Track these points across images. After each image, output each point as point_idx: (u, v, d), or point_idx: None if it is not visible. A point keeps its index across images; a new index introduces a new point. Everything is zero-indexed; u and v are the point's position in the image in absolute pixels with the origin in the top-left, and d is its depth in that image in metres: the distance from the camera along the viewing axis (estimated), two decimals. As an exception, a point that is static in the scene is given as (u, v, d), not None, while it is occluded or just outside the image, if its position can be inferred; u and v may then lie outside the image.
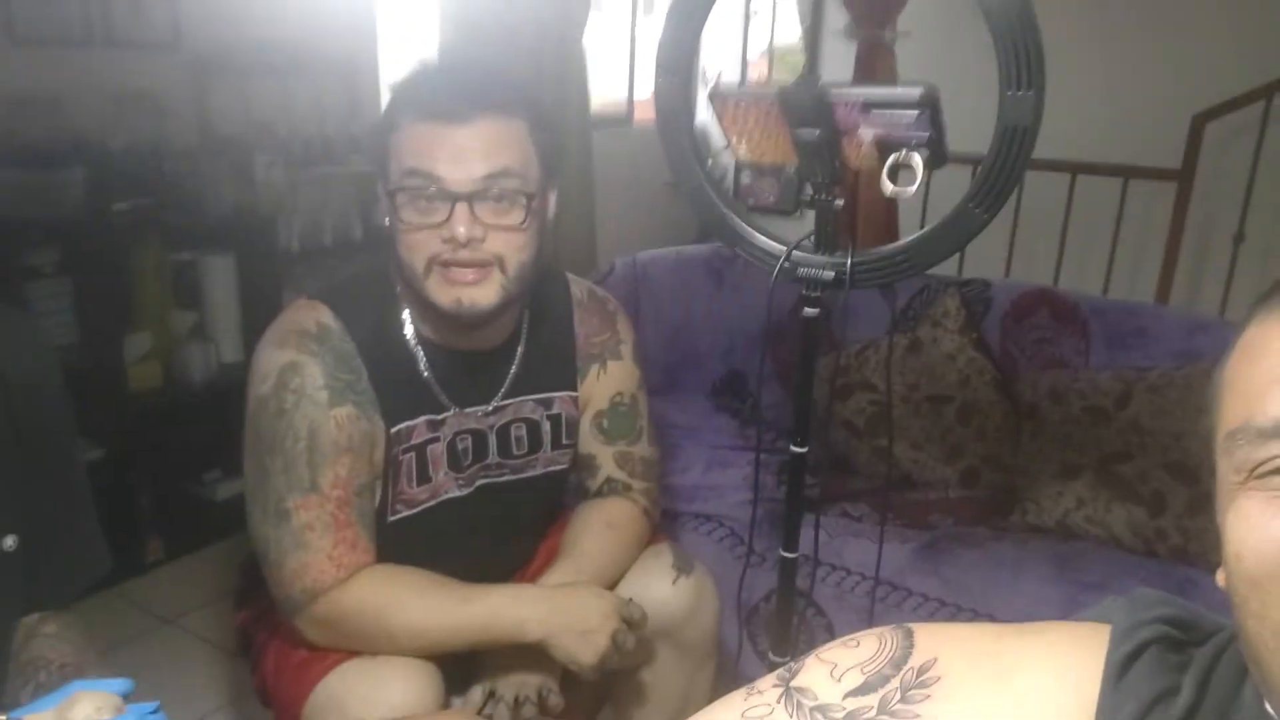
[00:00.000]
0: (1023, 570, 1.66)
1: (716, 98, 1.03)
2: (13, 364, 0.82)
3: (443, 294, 1.11)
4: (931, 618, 1.64)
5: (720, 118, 1.04)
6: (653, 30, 3.77)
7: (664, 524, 1.81)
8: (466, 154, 1.07)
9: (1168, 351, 2.00)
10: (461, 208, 1.06)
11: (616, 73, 3.95)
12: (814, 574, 1.60)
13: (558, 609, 1.15)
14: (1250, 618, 0.48)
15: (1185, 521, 1.70)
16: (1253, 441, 0.48)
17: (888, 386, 2.01)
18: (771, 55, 4.29)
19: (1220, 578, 0.54)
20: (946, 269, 2.32)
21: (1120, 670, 0.55)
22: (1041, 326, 2.14)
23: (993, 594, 1.62)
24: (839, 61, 3.60)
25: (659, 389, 2.39)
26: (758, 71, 4.29)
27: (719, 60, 4.12)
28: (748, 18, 4.12)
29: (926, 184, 0.96)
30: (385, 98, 1.20)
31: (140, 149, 2.37)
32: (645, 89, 4.30)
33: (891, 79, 2.76)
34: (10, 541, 0.84)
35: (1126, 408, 1.87)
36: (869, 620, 1.66)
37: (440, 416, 1.23)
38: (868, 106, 0.95)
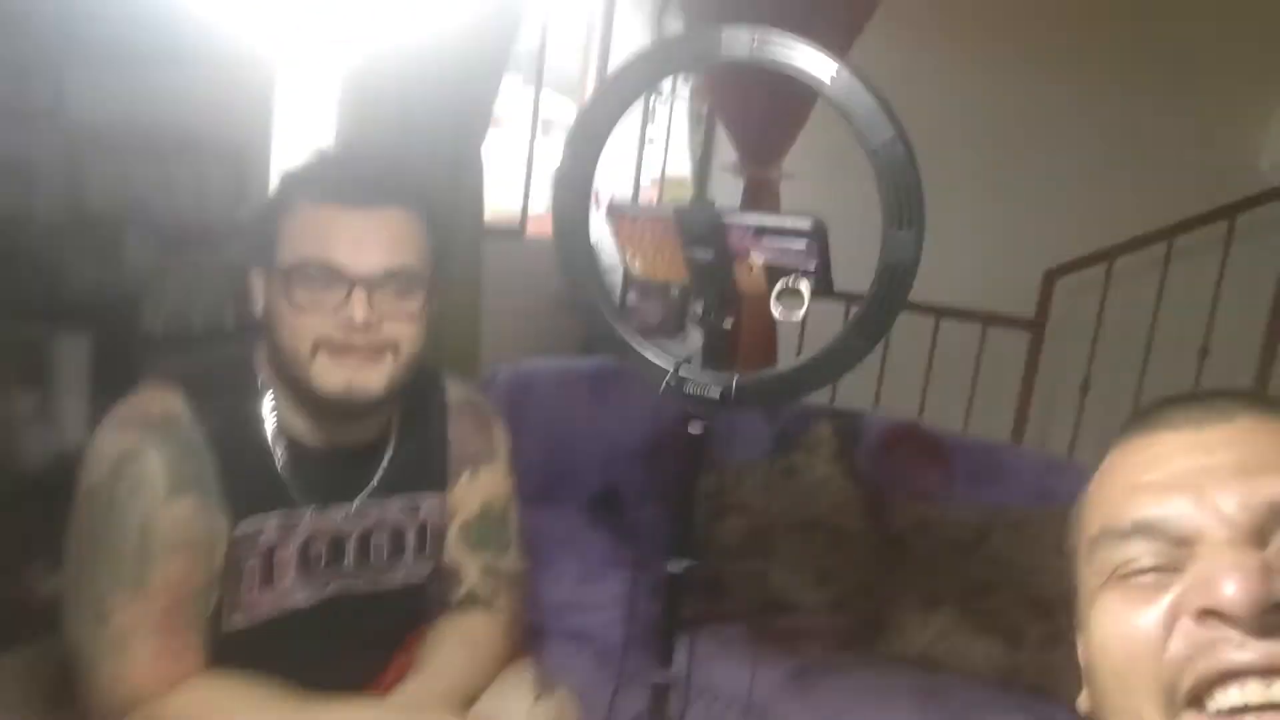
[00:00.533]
0: (888, 700, 1.66)
1: (613, 213, 1.05)
2: None
3: (330, 377, 1.06)
4: (798, 748, 1.62)
5: (616, 234, 1.06)
6: (549, 149, 3.88)
7: (531, 640, 1.75)
8: (367, 241, 1.05)
9: (1025, 489, 2.10)
10: (359, 292, 1.04)
11: (511, 187, 4.01)
12: (686, 696, 1.56)
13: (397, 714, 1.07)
14: (1113, 714, 0.51)
15: (1042, 655, 1.75)
16: (1112, 543, 0.53)
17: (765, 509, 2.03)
18: (663, 183, 4.46)
19: (1082, 700, 0.56)
20: (821, 397, 2.40)
21: None
22: (909, 459, 2.22)
23: (859, 724, 1.61)
24: (727, 195, 3.76)
25: (535, 498, 2.33)
26: (648, 197, 4.45)
27: (611, 183, 4.25)
28: (643, 144, 4.28)
29: (804, 314, 0.99)
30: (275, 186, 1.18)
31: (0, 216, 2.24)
32: (539, 204, 4.39)
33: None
34: None
35: (987, 541, 1.94)
36: (736, 749, 1.63)
37: (294, 518, 1.15)
38: (760, 232, 0.98)
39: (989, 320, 3.13)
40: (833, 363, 1.02)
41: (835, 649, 1.84)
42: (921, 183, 0.96)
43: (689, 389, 1.09)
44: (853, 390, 2.83)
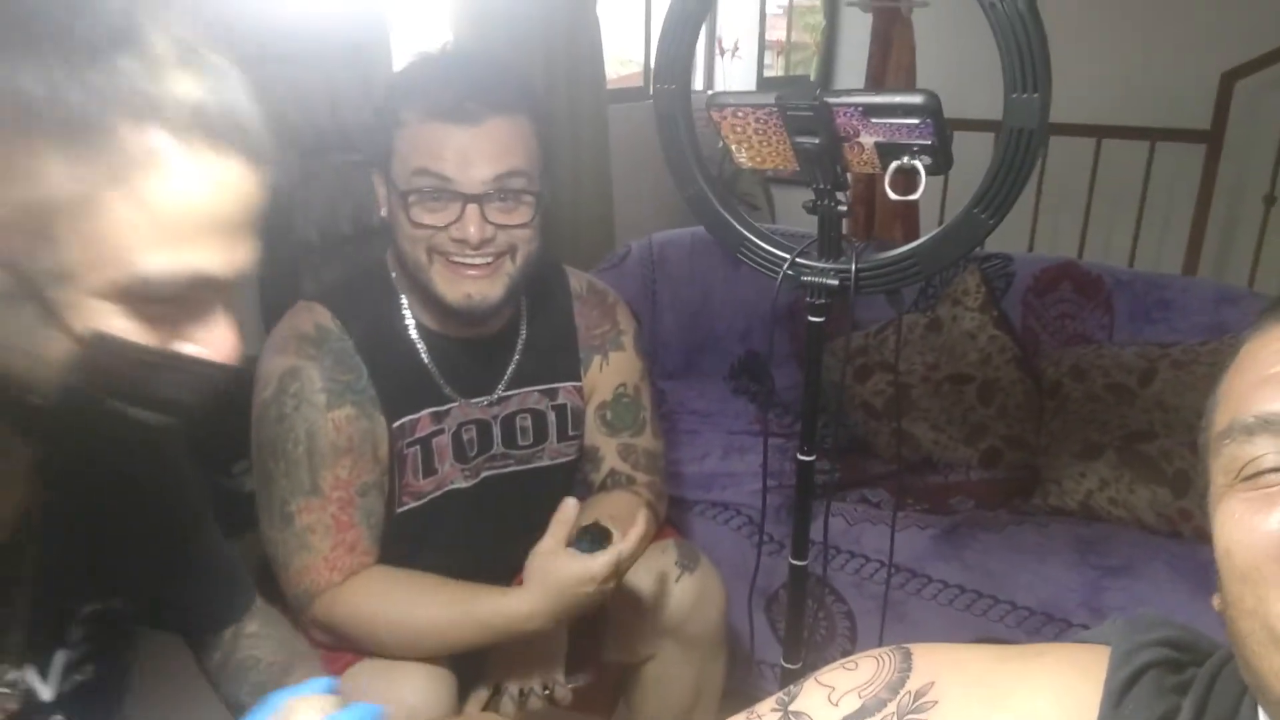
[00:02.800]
0: (1046, 555, 1.65)
1: (714, 107, 1.01)
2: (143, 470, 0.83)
3: (450, 289, 1.12)
4: (951, 605, 1.64)
5: (718, 126, 1.03)
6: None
7: (678, 512, 1.81)
8: (477, 156, 1.08)
9: (1194, 325, 1.96)
10: (472, 209, 1.08)
11: (633, 42, 3.89)
12: (825, 560, 1.60)
13: (550, 595, 1.11)
14: (1243, 616, 0.49)
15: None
16: (1237, 439, 0.50)
17: (896, 366, 1.99)
18: (791, 13, 4.21)
19: (1216, 600, 0.55)
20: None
21: (1119, 694, 0.55)
22: (1064, 301, 2.11)
23: (1015, 580, 1.61)
24: (856, 30, 3.53)
25: (676, 373, 2.38)
26: (777, 30, 4.21)
27: (737, 20, 4.02)
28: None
29: (946, 178, 0.94)
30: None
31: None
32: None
33: (909, 51, 2.70)
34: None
35: (1150, 385, 1.84)
36: (887, 607, 1.67)
37: (444, 408, 1.24)
38: (868, 111, 0.93)
39: (1158, 136, 2.85)
40: (956, 241, 0.97)
41: (988, 506, 1.83)
42: (1046, 42, 0.87)
43: (807, 277, 1.07)
44: (1004, 232, 2.70)
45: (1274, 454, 0.48)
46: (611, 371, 1.37)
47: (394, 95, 1.14)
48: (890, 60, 2.62)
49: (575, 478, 1.43)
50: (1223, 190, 2.87)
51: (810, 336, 1.08)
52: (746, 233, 1.11)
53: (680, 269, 2.40)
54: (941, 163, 0.93)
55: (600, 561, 1.09)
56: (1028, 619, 1.57)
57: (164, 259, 0.57)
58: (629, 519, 1.33)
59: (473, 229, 1.08)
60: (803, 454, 1.11)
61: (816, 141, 0.97)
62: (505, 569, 1.27)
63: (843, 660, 0.65)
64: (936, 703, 0.60)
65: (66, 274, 0.56)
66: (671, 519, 1.56)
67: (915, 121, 0.91)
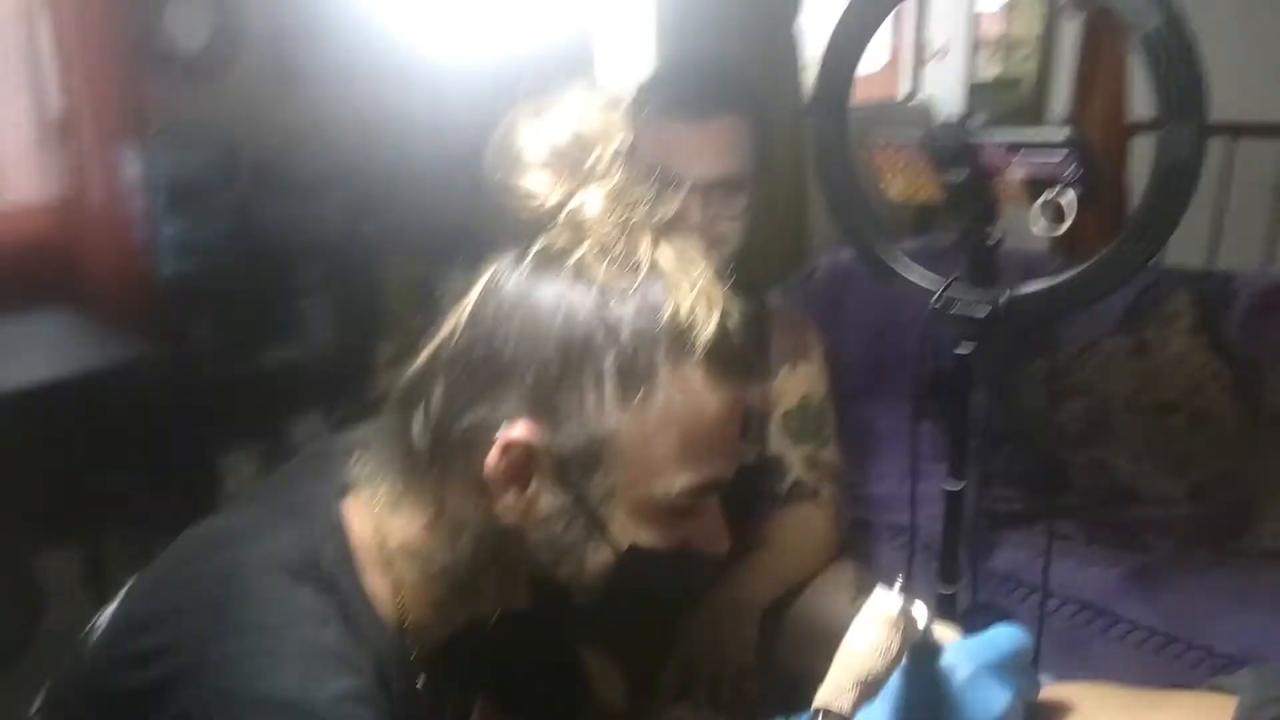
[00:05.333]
0: (1251, 601, 1.53)
1: (865, 146, 1.04)
2: None
3: None
4: (1140, 648, 1.55)
5: (870, 160, 1.05)
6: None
7: (858, 535, 1.81)
8: (702, 150, 1.21)
9: None
10: (694, 196, 1.18)
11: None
12: (975, 591, 1.56)
13: None
14: None
15: None
16: None
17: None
18: (1010, 11, 4.02)
19: None
20: (1184, 257, 2.12)
21: None
22: (1295, 324, 1.92)
23: (1212, 627, 1.50)
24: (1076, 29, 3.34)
25: (860, 392, 2.36)
26: (998, 26, 4.03)
27: (949, 19, 3.87)
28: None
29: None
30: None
31: (387, 173, 2.63)
32: (866, 65, 4.15)
33: (1118, 57, 2.53)
34: None
35: (1392, 420, 1.65)
36: (1071, 648, 1.60)
37: None
38: (1014, 148, 0.92)
39: None
40: (1109, 274, 0.95)
41: (1188, 545, 1.70)
42: (1203, 74, 0.84)
43: (956, 309, 1.07)
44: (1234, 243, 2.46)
45: None
46: (798, 380, 1.41)
47: (638, 94, 1.27)
48: (1100, 62, 2.47)
49: (755, 486, 1.45)
50: None
51: (959, 369, 1.08)
52: (898, 266, 1.12)
53: (869, 285, 2.38)
54: (1094, 195, 0.91)
55: None
56: (1224, 667, 1.46)
57: (688, 477, 0.68)
58: (815, 532, 1.36)
59: (695, 214, 1.18)
60: (951, 483, 1.10)
61: (964, 175, 0.97)
62: None
63: None
64: None
65: (611, 494, 0.67)
66: (847, 540, 1.57)
67: (1060, 155, 0.90)
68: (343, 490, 0.72)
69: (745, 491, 1.45)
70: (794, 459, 1.40)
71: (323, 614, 0.63)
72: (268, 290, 2.26)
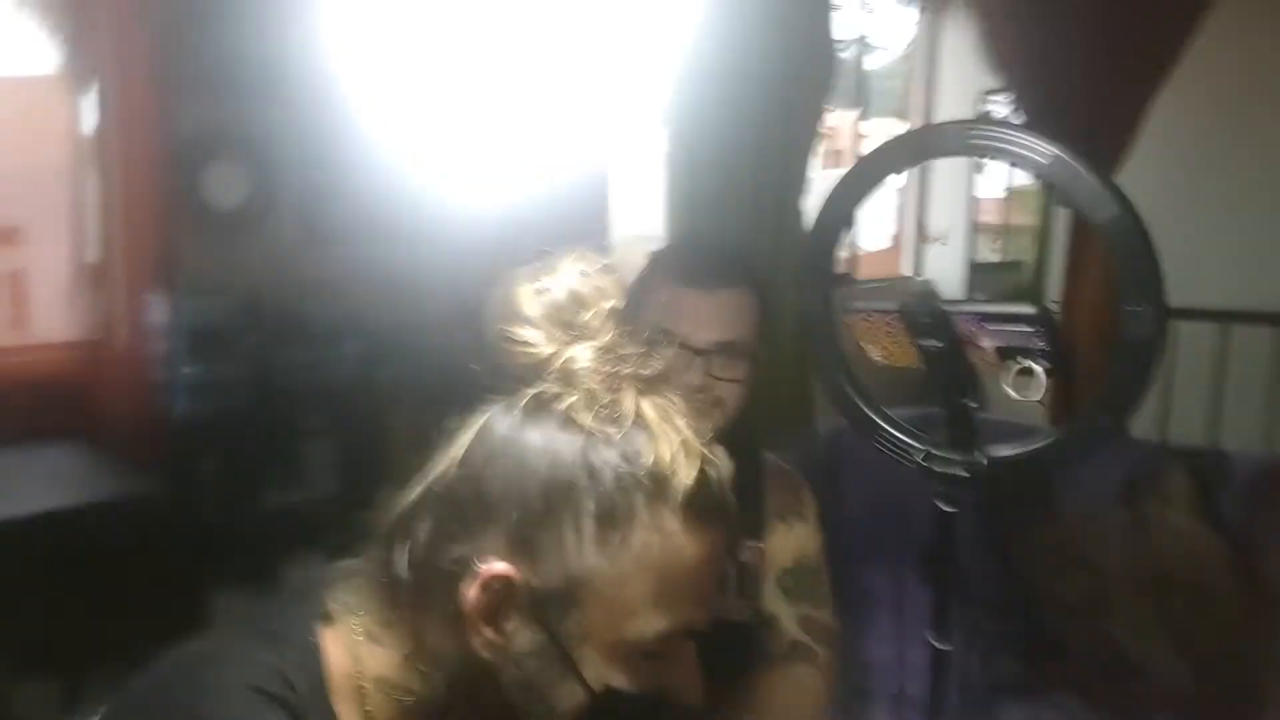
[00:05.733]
0: (1258, 790, 1.47)
1: (847, 314, 1.10)
2: None
3: None
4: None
5: (851, 328, 1.11)
6: (890, 186, 3.86)
7: (855, 703, 1.77)
8: (710, 319, 1.25)
9: None
10: (699, 361, 1.23)
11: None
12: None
13: None
14: None
15: None
16: None
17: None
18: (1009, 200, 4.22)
19: None
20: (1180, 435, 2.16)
21: None
22: (1294, 503, 1.92)
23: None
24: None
25: (857, 556, 2.34)
26: (998, 214, 4.21)
27: (948, 206, 4.07)
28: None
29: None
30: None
31: (402, 325, 2.72)
32: (872, 243, 4.34)
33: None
34: None
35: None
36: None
37: None
38: (985, 319, 0.98)
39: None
40: (1080, 441, 0.98)
41: (1193, 724, 1.65)
42: (1158, 260, 0.89)
43: (938, 467, 1.10)
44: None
45: None
46: (794, 539, 1.41)
47: (654, 263, 1.34)
48: (1088, 249, 2.58)
49: (749, 644, 1.43)
50: None
51: (941, 527, 1.10)
52: (884, 424, 1.16)
53: (866, 453, 2.39)
54: (1064, 369, 0.96)
55: None
56: None
57: (662, 621, 0.69)
58: (812, 694, 1.34)
59: (697, 378, 1.23)
60: (936, 641, 1.10)
61: (940, 343, 1.02)
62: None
63: None
64: None
65: (586, 635, 0.69)
66: (839, 702, 1.53)
67: (1029, 329, 0.95)
68: (323, 618, 0.74)
69: (739, 651, 1.43)
70: (790, 619, 1.39)
71: None
72: (275, 432, 2.31)
